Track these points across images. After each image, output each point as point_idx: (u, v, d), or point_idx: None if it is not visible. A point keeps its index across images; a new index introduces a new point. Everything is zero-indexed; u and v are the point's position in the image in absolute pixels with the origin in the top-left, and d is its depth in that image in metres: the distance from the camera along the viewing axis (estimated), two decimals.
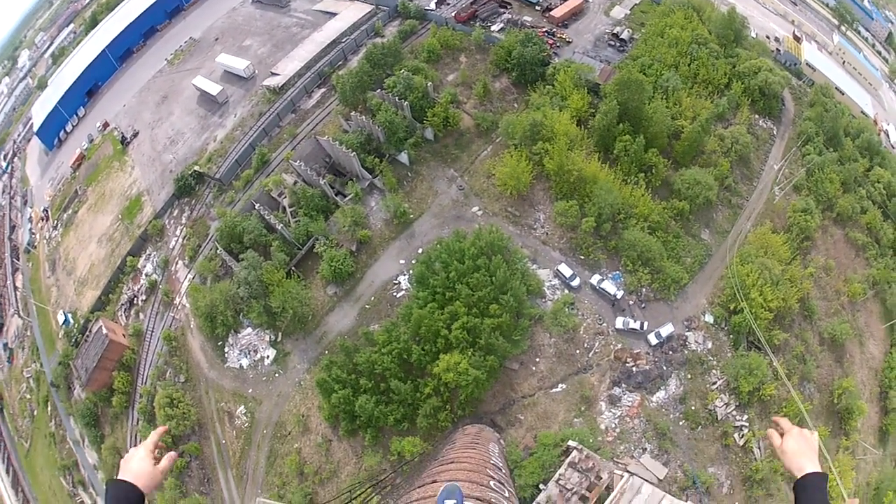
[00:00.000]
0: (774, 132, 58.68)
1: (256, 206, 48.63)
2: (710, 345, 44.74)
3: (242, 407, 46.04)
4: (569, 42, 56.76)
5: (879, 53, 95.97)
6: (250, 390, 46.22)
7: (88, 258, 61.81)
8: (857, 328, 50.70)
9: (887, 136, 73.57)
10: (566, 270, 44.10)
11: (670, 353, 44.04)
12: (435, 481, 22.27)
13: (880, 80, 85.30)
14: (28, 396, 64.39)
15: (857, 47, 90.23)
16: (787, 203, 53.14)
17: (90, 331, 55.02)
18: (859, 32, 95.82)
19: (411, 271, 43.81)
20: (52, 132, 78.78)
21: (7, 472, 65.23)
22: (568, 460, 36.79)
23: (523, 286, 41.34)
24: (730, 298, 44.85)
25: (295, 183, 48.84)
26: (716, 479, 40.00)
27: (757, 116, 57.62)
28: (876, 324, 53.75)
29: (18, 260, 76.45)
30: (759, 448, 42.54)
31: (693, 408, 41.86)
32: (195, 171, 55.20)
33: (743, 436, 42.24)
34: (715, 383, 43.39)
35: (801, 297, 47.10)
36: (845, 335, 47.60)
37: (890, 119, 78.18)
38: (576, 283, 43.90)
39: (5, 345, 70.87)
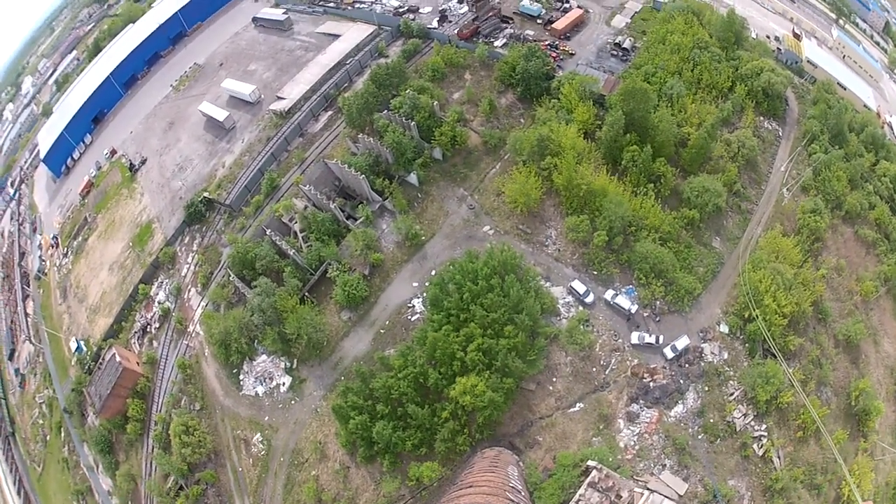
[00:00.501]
0: (780, 133, 58.40)
1: (267, 231, 48.73)
2: (726, 355, 44.28)
3: (259, 434, 45.93)
4: (572, 54, 56.85)
5: (878, 44, 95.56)
6: (266, 418, 46.10)
7: (100, 285, 62.14)
8: (871, 327, 50.16)
9: (891, 128, 73.09)
10: (580, 287, 43.87)
11: (687, 365, 43.57)
12: None
13: (881, 71, 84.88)
14: (41, 422, 64.62)
15: (856, 40, 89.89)
16: (796, 204, 52.77)
17: (103, 358, 55.21)
18: (857, 25, 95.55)
19: (425, 294, 43.72)
20: (59, 159, 79.62)
21: (19, 493, 65.37)
22: (588, 480, 36.44)
23: (537, 305, 41.14)
24: (744, 307, 44.49)
25: (305, 207, 48.95)
26: (736, 492, 39.41)
27: (762, 118, 57.42)
28: (890, 321, 53.17)
29: (29, 286, 77.04)
30: (779, 457, 41.98)
31: (711, 420, 41.33)
32: (205, 197, 55.47)
33: (762, 445, 41.65)
34: (732, 394, 42.88)
35: (815, 300, 46.65)
36: (860, 335, 47.19)
37: (892, 110, 77.71)
38: (590, 299, 43.64)
39: (17, 370, 71.35)
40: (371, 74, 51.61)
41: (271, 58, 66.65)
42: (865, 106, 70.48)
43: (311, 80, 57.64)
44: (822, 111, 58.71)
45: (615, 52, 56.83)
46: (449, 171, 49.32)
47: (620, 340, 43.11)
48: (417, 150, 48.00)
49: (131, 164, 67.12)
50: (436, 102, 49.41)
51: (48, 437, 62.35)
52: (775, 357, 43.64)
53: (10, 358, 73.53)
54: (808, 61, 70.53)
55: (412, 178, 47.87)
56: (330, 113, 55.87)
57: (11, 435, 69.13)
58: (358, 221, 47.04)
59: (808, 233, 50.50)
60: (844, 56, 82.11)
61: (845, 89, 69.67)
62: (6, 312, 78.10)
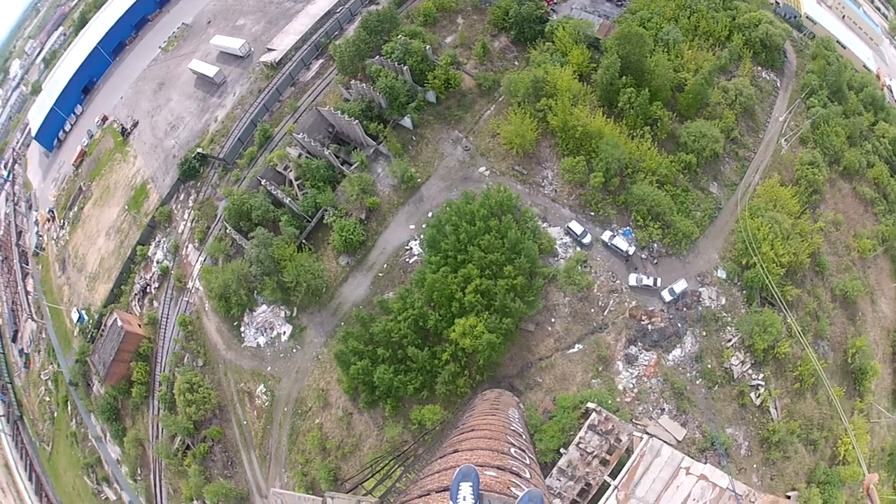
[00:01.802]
0: (778, 84, 57.80)
1: (262, 182, 48.44)
2: (723, 301, 44.45)
3: (262, 386, 46.26)
4: None
5: (879, 10, 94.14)
6: (269, 368, 46.40)
7: (98, 252, 61.95)
8: (868, 286, 50.12)
9: (890, 91, 72.41)
10: (577, 227, 43.84)
11: (685, 309, 43.79)
12: (456, 450, 22.22)
13: (881, 35, 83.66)
14: (47, 399, 64.87)
15: (857, 2, 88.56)
16: (794, 156, 52.46)
17: (105, 324, 55.28)
18: None
19: (422, 236, 43.64)
20: (51, 133, 78.70)
21: (30, 478, 65.90)
22: (588, 423, 36.87)
23: (535, 246, 41.14)
24: (741, 253, 44.50)
25: (300, 156, 48.58)
26: (734, 441, 39.94)
27: (759, 68, 56.75)
28: (887, 282, 53.12)
29: (28, 264, 76.71)
30: (776, 408, 42.40)
31: (709, 366, 41.65)
32: (198, 153, 55.01)
33: (759, 395, 42.02)
34: (730, 340, 43.16)
35: (812, 252, 46.61)
36: (857, 292, 47.16)
37: (892, 74, 76.97)
38: (587, 240, 43.66)
39: (21, 350, 71.40)
40: (362, 21, 50.75)
41: (260, 11, 65.63)
42: (865, 67, 69.68)
43: (300, 31, 56.76)
44: (822, 66, 58.03)
45: None
46: (443, 113, 48.81)
47: (618, 282, 43.25)
48: (411, 93, 47.49)
49: (123, 128, 66.42)
50: (428, 46, 48.73)
51: (55, 414, 62.54)
52: (773, 306, 43.77)
53: (14, 339, 73.56)
54: (806, 17, 69.50)
55: (406, 121, 47.45)
56: (321, 61, 55.14)
57: (20, 418, 69.47)
58: (353, 167, 46.76)
59: (806, 184, 50.20)
60: (844, 16, 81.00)
61: (844, 48, 68.68)
62: (7, 294, 77.89)
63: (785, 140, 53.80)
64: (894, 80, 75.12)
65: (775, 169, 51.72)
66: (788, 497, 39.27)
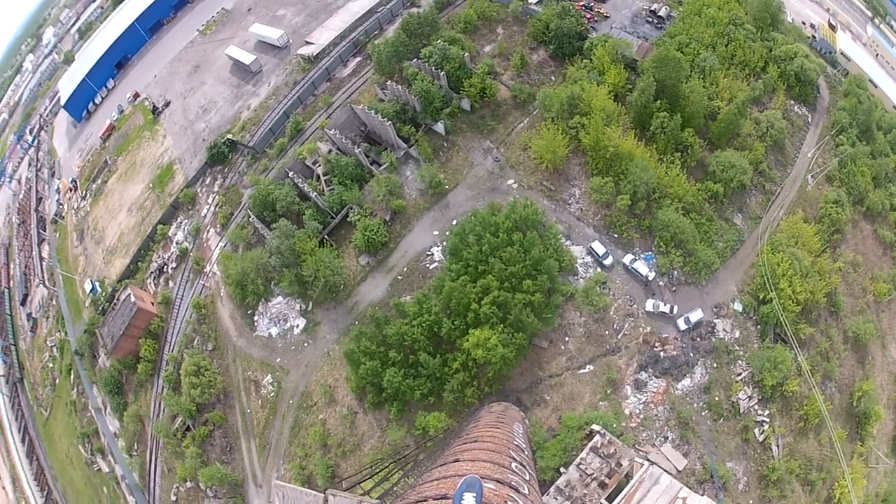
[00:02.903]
0: (809, 119, 57.52)
1: (290, 174, 48.70)
2: (737, 334, 44.19)
3: (269, 376, 46.42)
4: (606, 17, 56.01)
5: None
6: (278, 359, 46.56)
7: (118, 227, 62.50)
8: (880, 329, 49.90)
9: None
10: (599, 248, 43.75)
11: (698, 339, 43.56)
12: (458, 460, 22.18)
13: None
14: (51, 365, 65.29)
15: (890, 41, 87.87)
16: (820, 193, 52.17)
17: (118, 299, 55.60)
18: (892, 27, 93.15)
19: (445, 243, 43.69)
20: (81, 105, 79.59)
21: (23, 441, 66.38)
22: (590, 444, 36.65)
23: (556, 263, 41.08)
24: (759, 287, 44.28)
25: (329, 151, 48.82)
26: (733, 475, 39.63)
27: (792, 102, 56.49)
28: None
29: (45, 231, 77.55)
30: (778, 446, 42.06)
31: (717, 398, 41.37)
32: (228, 139, 55.35)
33: (763, 432, 41.71)
34: (740, 374, 42.90)
35: (829, 292, 46.30)
36: (869, 335, 46.94)
37: None
38: (608, 261, 43.55)
39: (29, 315, 72.14)
40: (402, 23, 50.97)
41: (301, 3, 65.94)
42: (895, 107, 69.21)
43: (340, 27, 57.02)
44: (853, 104, 57.74)
45: (650, 19, 55.91)
46: (476, 122, 48.91)
47: (635, 306, 43.09)
48: (446, 99, 47.60)
49: (154, 106, 67.04)
50: (466, 54, 48.80)
51: (57, 381, 62.83)
52: (785, 343, 43.47)
53: (23, 303, 74.25)
54: (841, 53, 69.10)
55: (439, 126, 47.55)
56: (359, 59, 55.34)
57: (20, 381, 69.95)
58: (382, 167, 46.90)
59: (829, 223, 50.00)
60: (877, 55, 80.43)
61: (876, 87, 68.36)
62: (21, 258, 78.76)
63: (811, 176, 53.47)
64: None
65: (800, 205, 51.44)
66: None
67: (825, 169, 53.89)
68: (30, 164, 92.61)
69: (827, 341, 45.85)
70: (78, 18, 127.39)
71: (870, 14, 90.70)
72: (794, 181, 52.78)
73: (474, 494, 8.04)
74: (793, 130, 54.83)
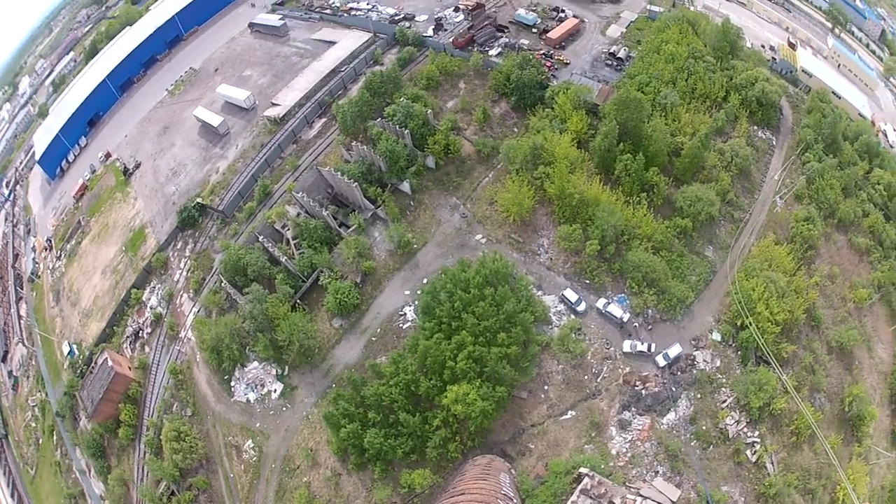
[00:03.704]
0: (773, 142, 58.69)
1: (260, 238, 48.67)
2: (718, 363, 44.36)
3: (250, 441, 45.74)
4: (566, 63, 56.98)
5: (874, 52, 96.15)
6: (258, 424, 45.94)
7: (93, 289, 61.92)
8: (864, 333, 50.29)
9: (885, 136, 73.56)
10: (572, 296, 43.94)
11: (679, 373, 43.63)
12: None
13: (876, 79, 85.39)
14: (33, 425, 64.22)
15: (852, 49, 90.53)
16: (790, 213, 53.00)
17: (95, 362, 54.95)
18: (853, 33, 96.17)
19: (417, 302, 43.68)
20: (55, 161, 79.44)
21: (13, 496, 64.81)
22: (580, 487, 36.26)
23: (530, 315, 41.17)
24: (736, 315, 44.55)
25: (298, 214, 48.93)
26: (730, 498, 39.33)
27: (755, 128, 57.69)
28: (883, 327, 53.23)
29: (22, 289, 76.68)
30: (772, 463, 41.97)
31: (704, 427, 41.34)
32: (198, 203, 55.38)
33: (755, 452, 41.68)
34: (725, 401, 42.90)
35: (808, 308, 46.79)
36: (853, 342, 47.42)
37: (888, 118, 78.25)
38: (582, 307, 43.71)
39: (10, 372, 70.89)
40: (366, 82, 51.71)
41: (267, 64, 66.72)
42: (860, 114, 70.94)
43: (305, 87, 57.69)
44: (817, 120, 59.02)
45: (610, 62, 57.06)
46: (442, 179, 49.38)
47: (612, 349, 43.18)
48: (410, 158, 48.10)
49: (125, 167, 67.03)
50: (430, 111, 49.53)
51: (41, 441, 61.93)
52: (768, 364, 43.72)
53: (3, 360, 73.08)
54: (802, 70, 71.05)
55: (405, 186, 47.91)
56: (324, 120, 55.96)
57: (4, 437, 68.76)
58: (350, 229, 47.03)
59: (802, 241, 50.70)
60: (840, 65, 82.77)
61: (840, 98, 70.14)
62: None
63: (780, 197, 54.39)
64: (889, 125, 76.41)
65: (770, 228, 52.16)
66: None
67: (793, 188, 54.86)
68: (6, 219, 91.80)
69: (811, 355, 46.12)
70: (52, 70, 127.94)
71: (830, 25, 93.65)
72: (762, 205, 53.63)
73: None
74: (758, 155, 55.90)
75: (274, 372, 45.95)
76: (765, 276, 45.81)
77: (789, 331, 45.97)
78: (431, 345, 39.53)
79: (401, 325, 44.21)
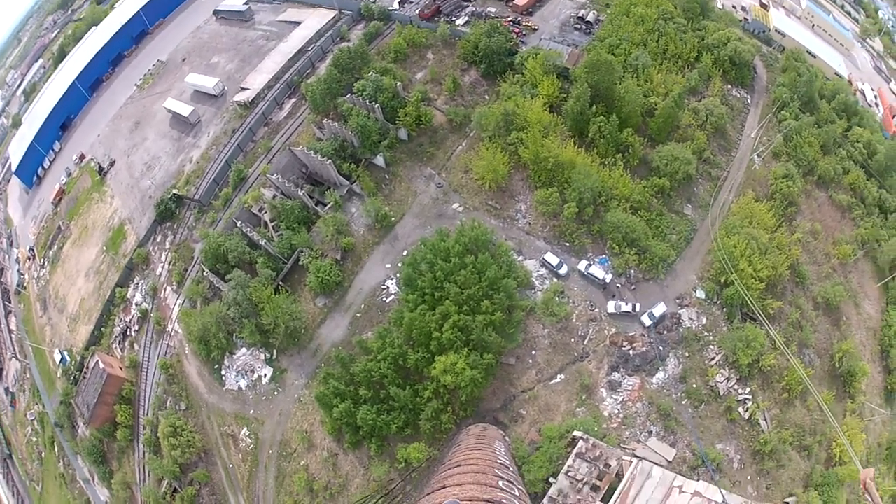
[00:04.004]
0: (748, 101, 58.68)
1: (238, 223, 48.28)
2: (704, 320, 44.67)
3: (245, 429, 45.78)
4: (535, 29, 56.57)
5: (849, 14, 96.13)
6: (251, 411, 45.94)
7: (78, 293, 61.32)
8: (850, 289, 50.65)
9: (863, 94, 73.84)
10: (553, 259, 43.99)
11: (665, 332, 43.93)
12: (444, 486, 22.08)
13: (852, 40, 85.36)
14: (34, 439, 64.00)
15: (826, 9, 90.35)
16: (768, 170, 53.16)
17: (87, 367, 54.64)
18: None
19: (398, 275, 43.58)
20: (31, 170, 78.16)
21: None
22: (575, 451, 36.63)
23: (512, 280, 41.23)
24: (719, 272, 44.77)
25: (274, 197, 48.56)
26: (725, 455, 39.87)
27: (729, 87, 57.63)
28: (869, 283, 53.67)
29: (10, 302, 75.79)
30: (766, 419, 42.47)
31: (694, 385, 41.69)
32: (174, 194, 54.76)
33: (747, 409, 42.09)
34: (713, 359, 43.28)
35: (791, 264, 47.05)
36: (839, 297, 47.65)
37: (864, 78, 78.54)
38: (563, 270, 43.81)
39: (6, 389, 70.34)
40: (333, 59, 51.08)
41: (233, 49, 65.77)
42: (836, 74, 71.00)
43: (273, 69, 56.99)
44: (792, 79, 58.99)
45: (579, 26, 56.72)
46: (415, 150, 48.99)
47: (597, 310, 43.38)
48: (383, 131, 47.71)
49: (100, 167, 66.09)
50: (399, 83, 49.08)
51: (43, 454, 61.79)
52: (755, 321, 44.03)
53: None
54: (776, 30, 70.90)
55: (379, 159, 47.58)
56: (294, 100, 55.25)
57: (9, 457, 68.44)
58: (327, 207, 46.73)
59: (782, 198, 50.88)
60: (814, 25, 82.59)
61: (815, 57, 70.10)
62: None
63: (757, 155, 54.56)
64: (867, 84, 76.74)
65: (749, 185, 52.32)
66: (786, 503, 39.14)
67: (770, 146, 55.00)
68: None
69: (797, 311, 46.45)
70: (23, 80, 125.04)
71: None
72: (740, 163, 53.73)
73: None
74: (733, 114, 55.90)
75: (262, 357, 45.87)
76: (746, 232, 46.01)
77: (774, 287, 46.20)
78: (416, 316, 39.56)
79: (384, 300, 44.14)
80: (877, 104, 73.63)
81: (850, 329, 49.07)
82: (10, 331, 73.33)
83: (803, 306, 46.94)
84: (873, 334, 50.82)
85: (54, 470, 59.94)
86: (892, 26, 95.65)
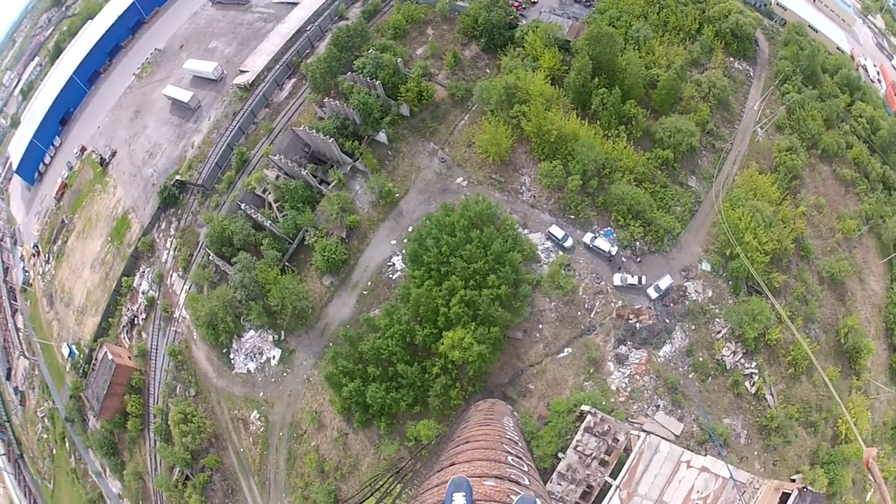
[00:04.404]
0: (751, 73, 58.17)
1: (242, 206, 48.26)
2: (710, 293, 44.61)
3: (255, 412, 46.00)
4: (534, 2, 56.21)
5: None
6: (261, 394, 46.15)
7: (84, 286, 61.44)
8: (855, 265, 50.38)
9: (865, 70, 73.06)
10: (558, 232, 43.88)
11: (671, 305, 43.92)
12: (453, 463, 22.13)
13: (853, 16, 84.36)
14: (45, 436, 64.37)
15: None
16: (771, 143, 52.81)
17: (96, 358, 54.83)
18: None
19: (404, 251, 43.55)
20: (32, 167, 78.09)
21: None
22: (583, 426, 36.79)
23: (518, 254, 41.15)
24: (724, 244, 44.63)
25: (277, 177, 48.49)
26: (732, 430, 40.02)
27: (732, 59, 57.13)
28: (874, 259, 53.31)
29: (16, 301, 76.06)
30: (772, 394, 42.48)
31: (701, 359, 41.71)
32: (177, 180, 54.68)
33: (754, 383, 42.12)
34: (720, 332, 43.25)
35: (796, 238, 46.87)
36: (844, 272, 47.40)
37: (867, 54, 77.72)
38: (569, 243, 43.72)
39: (16, 388, 70.76)
40: (332, 38, 50.70)
41: (231, 33, 65.36)
42: (839, 49, 70.24)
43: (272, 51, 56.65)
44: (794, 52, 58.40)
45: None
46: (417, 126, 48.75)
47: (603, 283, 43.33)
48: (384, 108, 47.45)
49: (101, 158, 66.00)
50: (399, 59, 48.75)
51: (54, 451, 62.08)
52: (760, 294, 43.90)
53: (8, 377, 72.90)
54: (776, 3, 70.04)
55: (381, 136, 47.39)
56: (294, 80, 54.94)
57: (20, 457, 68.90)
58: (331, 185, 46.64)
59: (785, 171, 50.52)
60: (815, 0, 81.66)
61: (817, 32, 69.31)
62: None
63: (760, 127, 54.14)
64: (869, 60, 75.93)
65: (753, 158, 52.01)
66: (793, 480, 39.28)
67: (773, 118, 54.60)
68: None
69: (802, 285, 46.32)
70: (20, 79, 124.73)
71: None
72: (743, 135, 53.36)
73: (463, 493, 7.97)
74: (735, 86, 55.43)
75: (270, 338, 46.00)
76: (750, 205, 45.77)
77: (779, 261, 46.05)
78: (423, 292, 39.55)
79: (391, 276, 44.15)
80: (879, 80, 72.97)
81: (854, 305, 48.90)
82: (17, 329, 73.66)
83: (808, 280, 46.79)
84: (878, 311, 50.66)
85: (66, 466, 60.31)
86: (893, 4, 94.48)
